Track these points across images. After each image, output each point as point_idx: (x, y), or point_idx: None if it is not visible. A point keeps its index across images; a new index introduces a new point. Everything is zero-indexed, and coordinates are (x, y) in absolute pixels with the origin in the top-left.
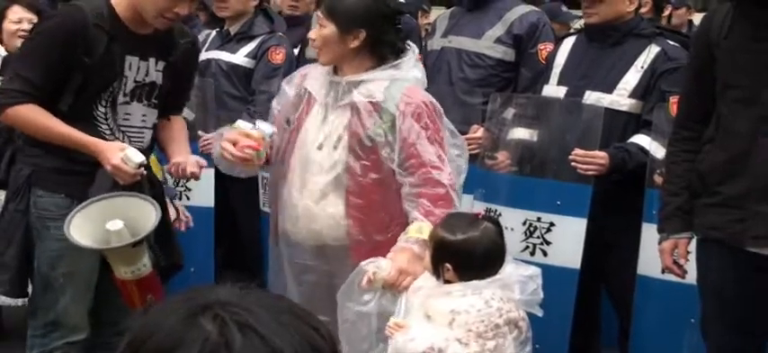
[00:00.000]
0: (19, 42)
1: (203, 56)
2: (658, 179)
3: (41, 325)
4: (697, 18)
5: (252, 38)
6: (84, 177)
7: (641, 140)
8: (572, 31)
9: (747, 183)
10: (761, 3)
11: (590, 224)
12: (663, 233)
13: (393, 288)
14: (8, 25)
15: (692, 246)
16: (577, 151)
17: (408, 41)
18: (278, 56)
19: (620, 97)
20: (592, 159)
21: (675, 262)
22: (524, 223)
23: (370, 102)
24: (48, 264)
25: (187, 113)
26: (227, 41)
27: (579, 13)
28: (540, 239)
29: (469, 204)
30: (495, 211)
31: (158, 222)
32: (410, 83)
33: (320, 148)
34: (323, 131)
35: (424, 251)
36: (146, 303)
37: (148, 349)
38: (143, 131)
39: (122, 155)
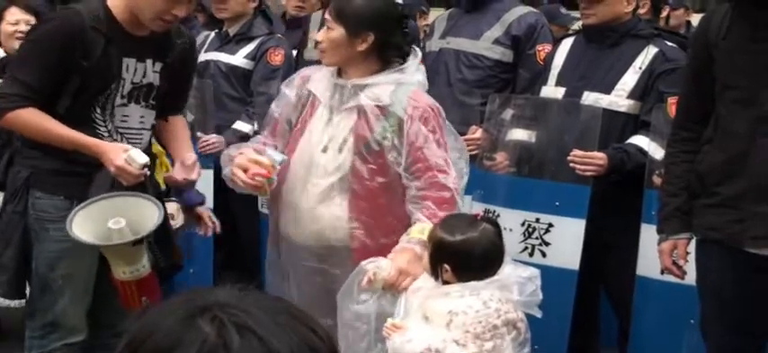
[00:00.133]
0: (16, 44)
1: (202, 57)
2: (657, 180)
3: (39, 326)
4: (695, 19)
5: (251, 39)
6: (82, 179)
7: (640, 140)
8: (570, 32)
9: (746, 183)
10: (759, 3)
11: (588, 225)
12: (662, 234)
13: (393, 289)
14: (5, 27)
15: (692, 247)
16: (576, 152)
17: (415, 47)
18: (277, 57)
19: (619, 98)
20: (590, 160)
21: (675, 263)
22: (523, 224)
23: (377, 105)
24: (46, 265)
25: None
26: (225, 43)
27: (578, 14)
28: (539, 240)
29: (468, 205)
30: (494, 212)
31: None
32: (414, 87)
33: (325, 150)
34: (327, 134)
35: (426, 252)
36: (142, 305)
37: (147, 350)
38: (141, 133)
39: (126, 156)
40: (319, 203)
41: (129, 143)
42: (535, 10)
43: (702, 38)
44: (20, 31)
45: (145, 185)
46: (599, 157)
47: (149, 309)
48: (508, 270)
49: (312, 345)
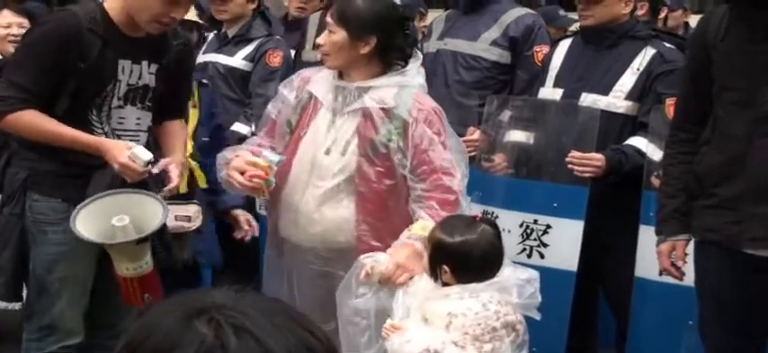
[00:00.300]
0: (9, 47)
1: (200, 58)
2: (655, 181)
3: (37, 329)
4: (693, 20)
5: (249, 41)
6: (80, 181)
7: (638, 142)
8: (568, 33)
9: (744, 185)
10: (757, 5)
11: (587, 226)
12: (660, 235)
13: (390, 283)
14: None
15: (690, 248)
16: (574, 153)
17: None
18: (275, 59)
19: (617, 99)
20: (588, 161)
21: (673, 264)
22: (521, 225)
23: (382, 108)
24: (43, 268)
25: None
26: (224, 44)
27: (576, 16)
28: (537, 242)
29: (466, 207)
30: (492, 213)
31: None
32: (416, 89)
33: (328, 152)
34: (331, 136)
35: (426, 249)
36: (144, 302)
37: (144, 352)
38: (138, 135)
39: (129, 153)
40: (322, 205)
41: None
42: (532, 11)
43: (701, 39)
44: (12, 34)
45: (146, 183)
46: (597, 158)
47: (148, 309)
48: (508, 272)
49: (309, 346)
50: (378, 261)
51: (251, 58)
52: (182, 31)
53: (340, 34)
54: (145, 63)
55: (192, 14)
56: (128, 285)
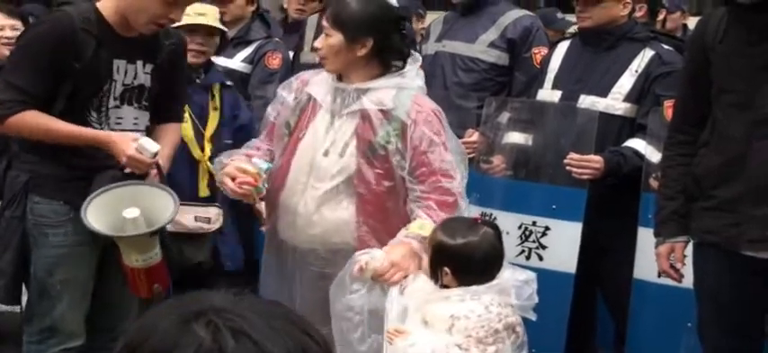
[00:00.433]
0: (3, 49)
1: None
2: (654, 183)
3: (37, 331)
4: (691, 22)
5: (249, 43)
6: (82, 183)
7: (636, 143)
8: (566, 35)
9: (742, 186)
10: (755, 7)
11: (585, 228)
12: (659, 237)
13: (383, 280)
14: None
15: (689, 250)
16: (572, 155)
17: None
18: (274, 61)
19: (615, 101)
20: (587, 163)
21: (672, 266)
22: (520, 227)
23: (380, 109)
24: (45, 270)
25: None
26: (223, 46)
27: (574, 18)
28: (536, 244)
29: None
30: (491, 215)
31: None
32: (415, 91)
33: (326, 154)
34: (329, 138)
35: (424, 248)
36: (152, 292)
37: None
38: (136, 135)
39: (136, 145)
40: (321, 207)
41: None
42: (530, 13)
43: (699, 41)
44: (5, 37)
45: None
46: (595, 160)
47: (157, 299)
48: (507, 274)
49: (307, 349)
50: (373, 257)
51: (250, 60)
52: (173, 30)
53: (336, 37)
54: (139, 63)
55: (214, 20)
56: (136, 275)
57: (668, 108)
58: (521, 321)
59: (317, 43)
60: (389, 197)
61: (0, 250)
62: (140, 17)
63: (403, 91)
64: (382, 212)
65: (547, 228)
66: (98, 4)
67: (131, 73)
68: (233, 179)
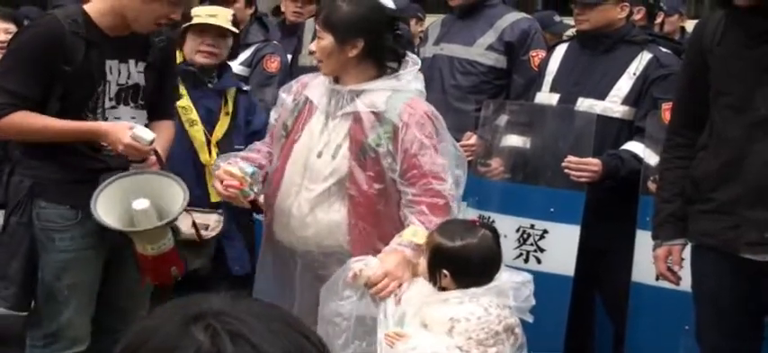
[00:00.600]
0: None
1: None
2: (652, 186)
3: (42, 336)
4: (689, 25)
5: (247, 46)
6: (88, 186)
7: (634, 146)
8: (564, 38)
9: (741, 188)
10: (753, 10)
11: (583, 231)
12: (657, 240)
13: (377, 289)
14: None
15: (687, 252)
16: (570, 158)
17: (409, 52)
18: (273, 64)
19: (613, 104)
20: (585, 166)
21: (670, 269)
22: (518, 230)
23: (372, 112)
24: (53, 275)
25: None
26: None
27: (572, 21)
28: (534, 247)
29: (463, 212)
30: (489, 218)
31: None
32: (411, 94)
33: (319, 155)
34: (323, 139)
35: (417, 256)
36: (170, 275)
37: None
38: (130, 123)
39: (132, 134)
40: (314, 209)
41: None
42: (528, 16)
43: (697, 44)
44: (0, 41)
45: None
46: (593, 163)
47: (174, 281)
48: (505, 276)
49: (305, 351)
50: (367, 265)
51: (248, 63)
52: (163, 29)
53: (328, 40)
54: (132, 62)
55: (226, 22)
56: (149, 263)
57: (666, 111)
58: (519, 323)
59: (312, 46)
60: (380, 200)
61: (8, 258)
62: (143, 18)
63: (398, 94)
64: (373, 215)
65: (545, 231)
66: (85, 7)
67: (124, 73)
68: (221, 182)
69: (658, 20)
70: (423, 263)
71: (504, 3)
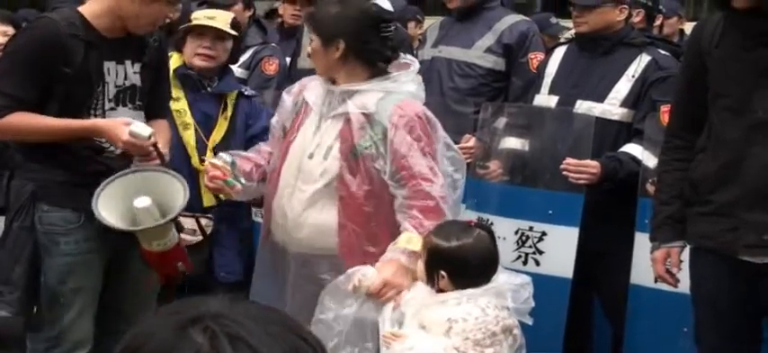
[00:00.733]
0: None
1: None
2: (650, 188)
3: (43, 339)
4: (688, 27)
5: (245, 48)
6: (89, 189)
7: (633, 149)
8: (563, 40)
9: (739, 191)
10: (751, 12)
11: (582, 233)
12: (655, 242)
13: (377, 298)
14: None
15: (685, 255)
16: (569, 160)
17: (407, 54)
18: (271, 66)
19: (612, 106)
20: (583, 169)
21: (668, 271)
22: (516, 233)
23: (363, 113)
24: (56, 278)
25: None
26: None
27: (568, 23)
28: (533, 249)
29: (462, 214)
30: (487, 220)
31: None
32: (404, 96)
33: (311, 156)
34: (315, 141)
35: (413, 262)
36: (177, 271)
37: None
38: (127, 119)
39: (129, 130)
40: (307, 210)
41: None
42: (526, 18)
43: (695, 46)
44: None
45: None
46: (592, 165)
47: (181, 276)
48: (503, 278)
49: None
50: (365, 275)
51: (246, 65)
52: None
53: (315, 41)
54: (128, 63)
55: (224, 24)
56: (156, 259)
57: (665, 113)
58: (517, 324)
59: (308, 49)
60: (368, 202)
61: (11, 263)
62: (142, 19)
63: (390, 95)
64: (362, 217)
65: (543, 233)
66: (81, 9)
67: (121, 74)
68: (208, 175)
69: (657, 22)
70: (420, 265)
71: (503, 5)
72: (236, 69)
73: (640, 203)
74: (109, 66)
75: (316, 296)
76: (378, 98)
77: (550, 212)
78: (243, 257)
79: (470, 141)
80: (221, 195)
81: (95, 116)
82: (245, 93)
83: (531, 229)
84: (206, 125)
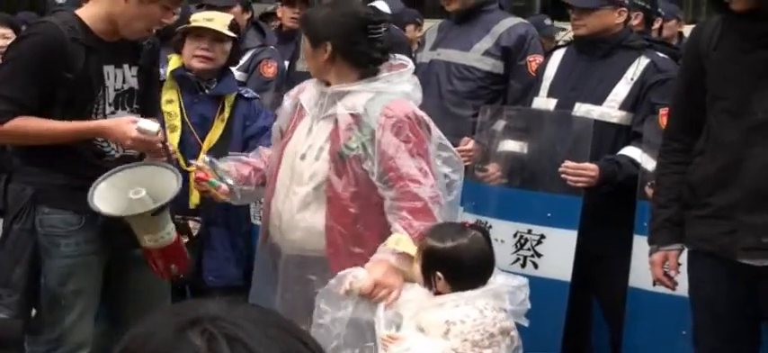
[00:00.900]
0: None
1: None
2: (649, 191)
3: (44, 342)
4: (687, 30)
5: (243, 51)
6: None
7: (631, 152)
8: (561, 43)
9: (737, 194)
10: (749, 15)
11: (580, 236)
12: (653, 245)
13: (369, 298)
14: None
15: (683, 258)
16: (568, 163)
17: (400, 55)
18: (269, 69)
19: (611, 109)
20: (582, 171)
21: (666, 274)
22: (515, 235)
23: (351, 114)
24: (57, 281)
25: None
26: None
27: (563, 25)
28: (531, 252)
29: (460, 216)
30: (486, 223)
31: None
32: (396, 97)
33: (303, 158)
34: (307, 142)
35: (402, 263)
36: (170, 273)
37: None
38: (133, 117)
39: (137, 127)
40: (299, 211)
41: (124, 149)
42: (525, 21)
43: (694, 49)
44: None
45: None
46: (591, 168)
47: (178, 275)
48: (500, 279)
49: None
50: (356, 277)
51: (245, 68)
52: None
53: (307, 43)
54: (126, 66)
55: (222, 26)
56: (151, 256)
57: (663, 116)
58: (514, 326)
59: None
60: (353, 203)
61: (11, 265)
62: (137, 24)
63: (380, 96)
64: (347, 217)
65: (542, 236)
66: (79, 13)
67: (120, 77)
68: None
69: (656, 25)
70: (416, 268)
71: (501, 8)
72: (235, 72)
73: (639, 205)
74: (108, 70)
75: (303, 297)
76: (367, 99)
77: (549, 214)
78: (240, 261)
79: (469, 144)
80: (211, 196)
81: (97, 119)
82: (245, 95)
83: (529, 231)
84: (202, 127)
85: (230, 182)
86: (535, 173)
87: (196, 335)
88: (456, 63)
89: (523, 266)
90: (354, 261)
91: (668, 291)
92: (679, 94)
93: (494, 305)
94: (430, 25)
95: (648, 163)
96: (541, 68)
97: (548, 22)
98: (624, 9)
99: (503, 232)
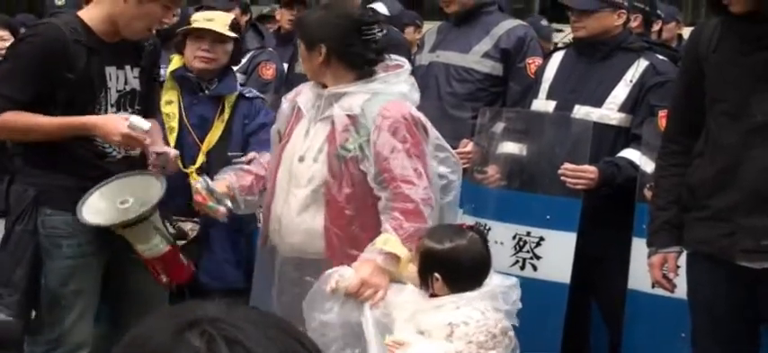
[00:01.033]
0: None
1: None
2: (648, 194)
3: (44, 342)
4: (686, 32)
5: (243, 53)
6: None
7: (631, 154)
8: (560, 45)
9: (736, 196)
10: (748, 17)
11: (579, 238)
12: (652, 247)
13: (355, 297)
14: None
15: (682, 260)
16: (567, 166)
17: (394, 56)
18: (268, 71)
19: (610, 111)
20: (581, 174)
21: (665, 276)
22: (514, 238)
23: (348, 115)
24: (58, 281)
25: None
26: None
27: (559, 26)
28: (530, 254)
29: (460, 219)
30: (485, 225)
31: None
32: (392, 97)
33: (301, 160)
34: (305, 144)
35: (389, 263)
36: (165, 283)
37: None
38: (125, 114)
39: (128, 123)
40: (299, 214)
41: (126, 150)
42: (524, 23)
43: (693, 51)
44: None
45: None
46: (590, 170)
47: (170, 286)
48: (496, 280)
49: None
50: (343, 276)
51: (244, 70)
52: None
53: (302, 46)
54: (128, 67)
55: (223, 27)
56: (150, 265)
57: (662, 118)
58: (510, 326)
59: None
60: (349, 205)
61: (12, 265)
62: (137, 24)
63: (377, 97)
64: (343, 219)
65: (541, 238)
66: (80, 14)
67: (122, 78)
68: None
69: (655, 27)
70: (413, 269)
71: (501, 10)
72: None
73: (638, 208)
74: (110, 71)
75: (300, 299)
76: (364, 100)
77: (548, 217)
78: (240, 262)
79: (468, 146)
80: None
81: None
82: (246, 94)
83: (528, 234)
84: (201, 128)
85: (229, 203)
86: (534, 175)
87: (195, 337)
88: (455, 65)
89: (523, 268)
90: (351, 263)
91: (667, 293)
92: (678, 96)
93: (492, 306)
94: (429, 27)
95: (647, 165)
96: (540, 70)
97: (544, 23)
98: (623, 11)
99: (502, 234)
